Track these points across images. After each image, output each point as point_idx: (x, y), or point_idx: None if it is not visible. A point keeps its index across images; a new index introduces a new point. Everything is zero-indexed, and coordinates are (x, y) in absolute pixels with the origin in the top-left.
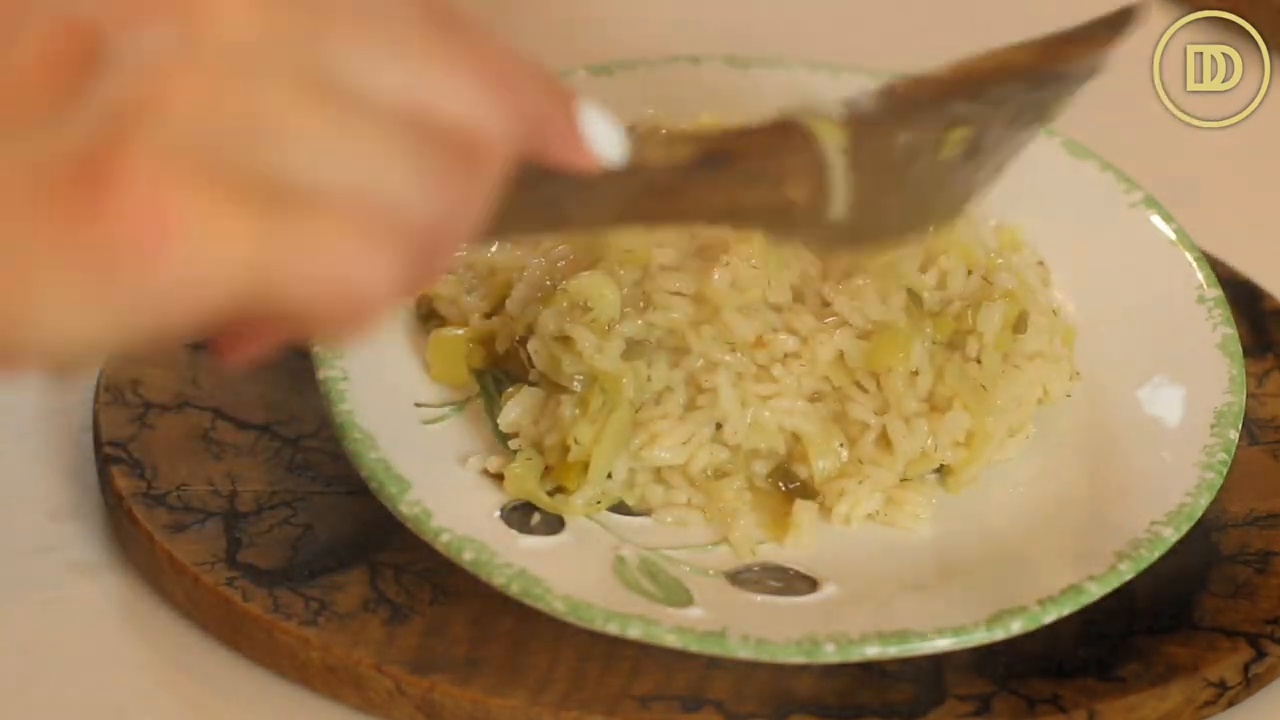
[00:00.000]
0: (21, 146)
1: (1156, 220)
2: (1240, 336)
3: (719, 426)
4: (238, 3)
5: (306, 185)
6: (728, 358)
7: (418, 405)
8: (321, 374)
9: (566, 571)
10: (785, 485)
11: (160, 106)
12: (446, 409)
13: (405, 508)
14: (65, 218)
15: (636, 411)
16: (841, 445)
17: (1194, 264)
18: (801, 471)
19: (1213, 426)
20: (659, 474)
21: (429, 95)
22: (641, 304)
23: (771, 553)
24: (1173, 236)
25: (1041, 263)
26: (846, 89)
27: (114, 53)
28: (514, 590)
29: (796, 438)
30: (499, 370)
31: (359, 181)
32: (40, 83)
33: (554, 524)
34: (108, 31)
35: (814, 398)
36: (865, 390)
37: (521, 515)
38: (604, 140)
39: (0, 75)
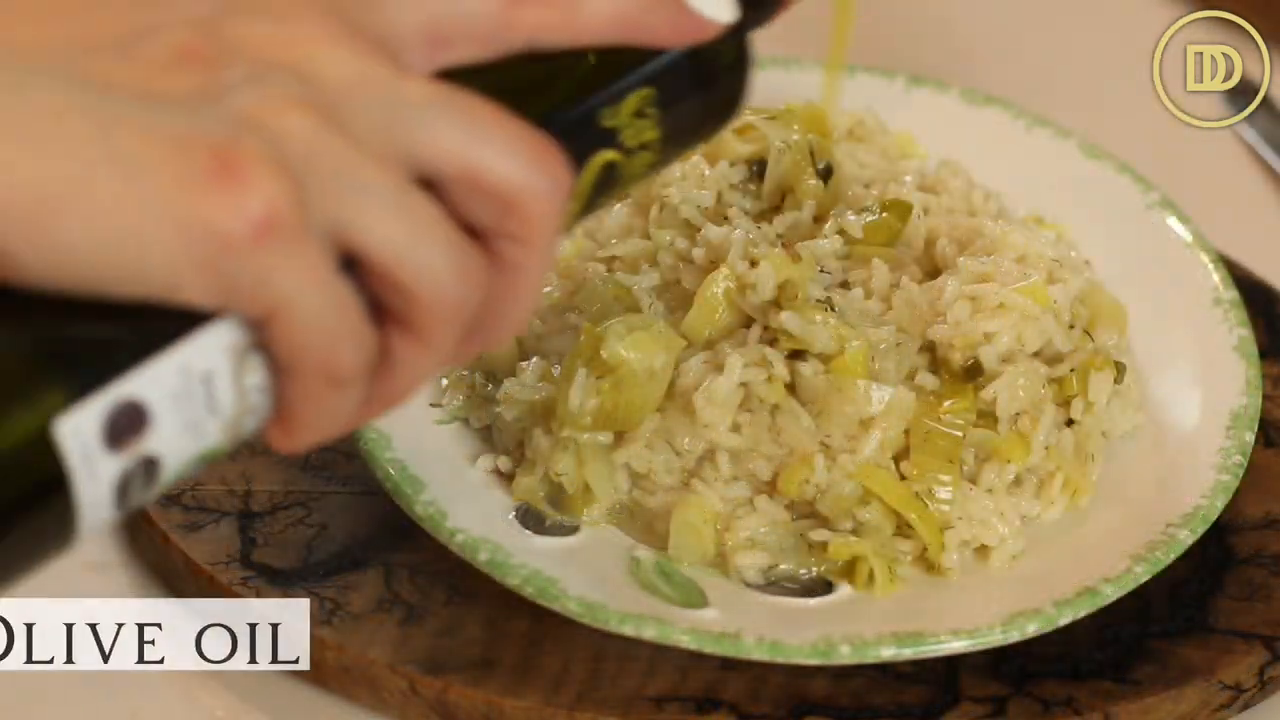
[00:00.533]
0: (162, 118)
1: (1173, 222)
2: (1256, 339)
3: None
4: (341, 58)
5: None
6: (732, 357)
7: (430, 405)
8: None
9: (581, 572)
10: (785, 491)
11: (278, 125)
12: (457, 408)
13: (420, 508)
14: (195, 187)
15: (637, 412)
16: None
17: (1210, 266)
18: (802, 473)
19: (1229, 429)
20: (657, 478)
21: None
22: (644, 305)
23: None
24: (1189, 238)
25: (1088, 262)
26: (862, 89)
27: (237, 61)
28: (529, 591)
29: (793, 446)
30: (495, 370)
31: (408, 247)
32: (173, 70)
33: (568, 525)
34: (231, 43)
35: (812, 399)
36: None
37: (535, 515)
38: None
39: (140, 59)
